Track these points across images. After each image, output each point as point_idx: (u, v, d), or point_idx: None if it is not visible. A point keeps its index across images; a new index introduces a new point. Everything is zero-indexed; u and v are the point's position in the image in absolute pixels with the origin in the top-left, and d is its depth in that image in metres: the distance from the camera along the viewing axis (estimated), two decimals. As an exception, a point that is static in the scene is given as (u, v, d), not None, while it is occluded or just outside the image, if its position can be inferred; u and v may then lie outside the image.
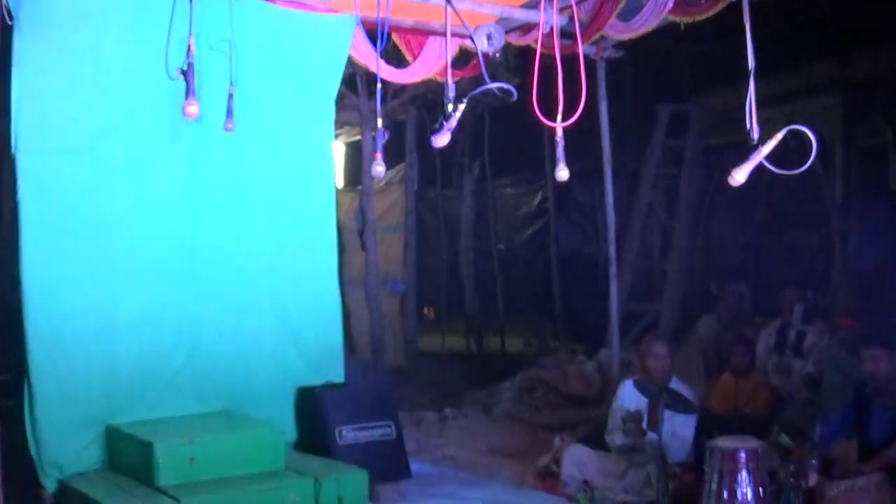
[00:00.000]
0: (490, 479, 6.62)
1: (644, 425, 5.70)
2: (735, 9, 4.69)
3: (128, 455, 5.28)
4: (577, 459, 6.06)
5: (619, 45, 7.17)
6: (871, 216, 7.98)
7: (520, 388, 9.20)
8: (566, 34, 5.25)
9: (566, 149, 4.29)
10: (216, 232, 5.94)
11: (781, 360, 7.19)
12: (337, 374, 6.39)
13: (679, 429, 5.81)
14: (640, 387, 5.80)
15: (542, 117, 4.19)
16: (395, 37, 6.55)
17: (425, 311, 12.59)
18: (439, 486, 6.29)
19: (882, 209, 7.96)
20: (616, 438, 6.05)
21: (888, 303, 7.40)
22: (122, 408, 5.53)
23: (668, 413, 5.56)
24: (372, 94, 4.87)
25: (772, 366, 7.20)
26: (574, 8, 5.23)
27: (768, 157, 4.07)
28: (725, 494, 4.70)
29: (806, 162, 3.95)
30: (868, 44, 8.44)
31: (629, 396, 5.99)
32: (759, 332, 7.53)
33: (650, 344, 6.17)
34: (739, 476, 4.70)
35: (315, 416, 6.04)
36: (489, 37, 6.20)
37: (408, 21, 6.31)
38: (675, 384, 5.96)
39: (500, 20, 6.33)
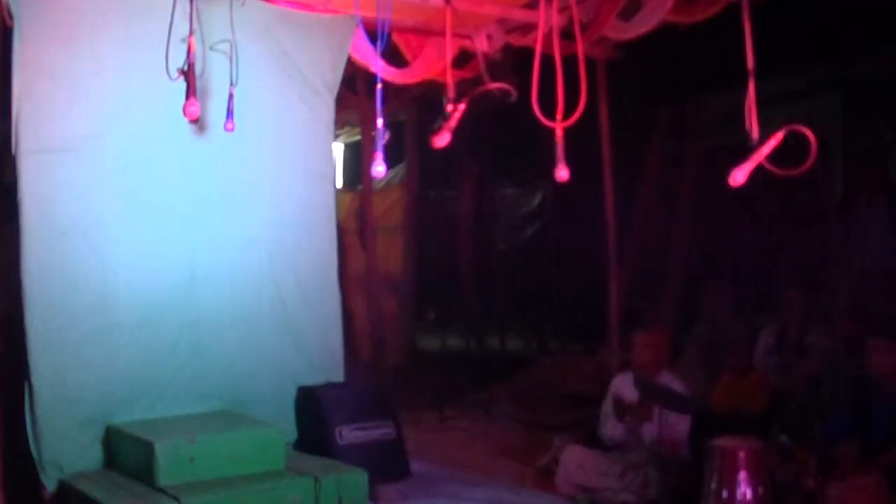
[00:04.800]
0: (490, 479, 6.62)
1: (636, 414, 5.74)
2: (735, 9, 4.70)
3: (128, 455, 5.29)
4: (575, 460, 6.06)
5: (619, 45, 7.16)
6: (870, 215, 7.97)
7: (520, 388, 9.21)
8: (566, 34, 5.25)
9: (566, 149, 4.29)
10: (216, 232, 5.94)
11: (781, 360, 7.19)
12: (337, 374, 6.39)
13: (673, 423, 5.82)
14: (642, 387, 5.81)
15: (542, 117, 4.20)
16: (395, 37, 6.55)
17: (426, 315, 12.60)
18: (439, 486, 6.29)
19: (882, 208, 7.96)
20: (608, 428, 6.05)
21: (888, 302, 7.39)
22: (123, 407, 5.54)
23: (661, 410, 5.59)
24: (372, 94, 4.87)
25: (772, 366, 7.20)
26: (574, 8, 5.23)
27: (768, 158, 4.08)
28: (725, 494, 4.70)
29: (806, 162, 3.96)
30: (868, 44, 8.44)
31: (623, 389, 6.01)
32: (758, 332, 7.53)
33: (636, 333, 6.24)
34: (739, 476, 4.70)
35: (315, 416, 6.04)
36: (489, 37, 6.21)
37: (408, 21, 6.31)
38: (665, 379, 5.97)
39: (500, 20, 6.33)
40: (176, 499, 4.77)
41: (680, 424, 5.85)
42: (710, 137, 9.92)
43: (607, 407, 6.15)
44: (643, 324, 6.90)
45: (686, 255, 10.08)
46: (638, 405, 5.81)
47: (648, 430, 5.74)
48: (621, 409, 5.89)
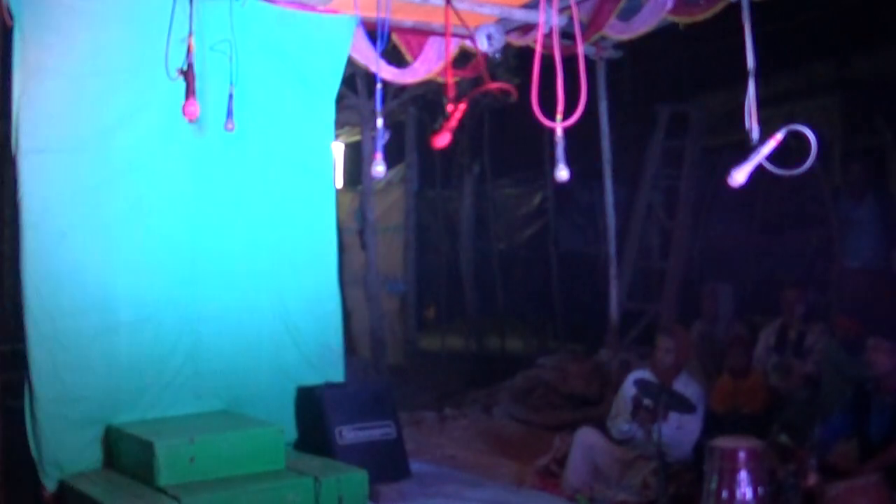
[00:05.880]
0: (490, 479, 6.62)
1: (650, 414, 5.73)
2: (735, 9, 4.71)
3: (128, 455, 5.29)
4: (587, 442, 6.02)
5: (619, 45, 7.17)
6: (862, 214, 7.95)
7: (520, 388, 9.20)
8: (566, 34, 5.25)
9: (566, 149, 4.29)
10: (216, 232, 5.94)
11: (781, 360, 7.18)
12: (337, 374, 6.40)
13: (686, 423, 5.81)
14: (642, 386, 5.81)
15: (542, 117, 4.20)
16: (395, 37, 6.56)
17: (427, 311, 12.59)
18: (439, 486, 6.28)
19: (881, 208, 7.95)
20: (620, 424, 6.04)
21: (887, 301, 7.39)
22: (123, 407, 5.54)
23: (672, 412, 5.59)
24: (372, 94, 4.88)
25: (772, 366, 7.19)
26: (574, 8, 5.23)
27: (768, 158, 4.08)
28: (725, 494, 4.70)
29: (805, 162, 3.96)
30: (868, 44, 8.44)
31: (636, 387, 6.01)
32: (758, 332, 7.53)
33: (657, 337, 6.22)
34: (739, 476, 4.69)
35: (315, 415, 6.04)
36: (489, 37, 6.22)
37: (408, 21, 6.32)
38: (684, 382, 5.97)
39: (500, 20, 6.34)
40: (176, 499, 4.77)
41: (693, 424, 5.84)
42: (710, 137, 9.92)
43: (618, 404, 6.14)
44: (665, 327, 6.85)
45: (686, 254, 10.07)
46: (650, 407, 5.79)
47: (658, 430, 5.72)
48: (637, 408, 5.85)
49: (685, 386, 5.92)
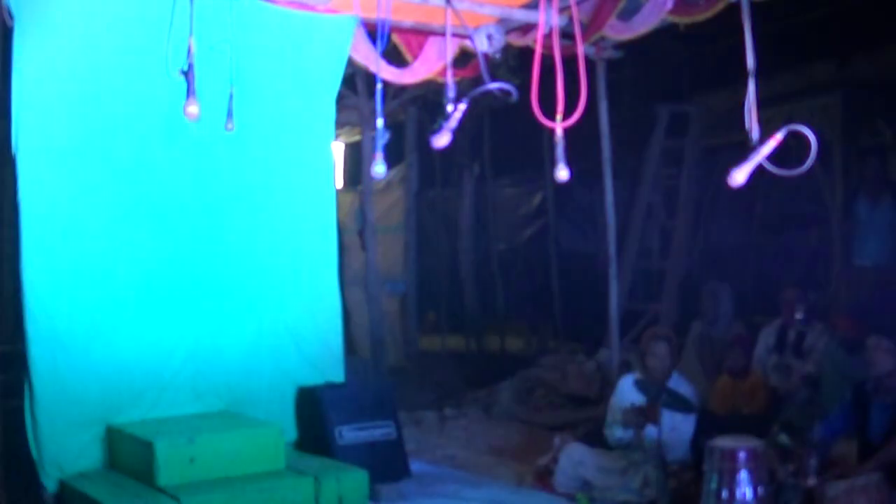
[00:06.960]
0: (490, 479, 6.62)
1: (643, 417, 5.73)
2: (735, 9, 4.70)
3: (128, 455, 5.29)
4: (575, 458, 6.05)
5: (619, 45, 7.17)
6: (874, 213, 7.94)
7: (520, 387, 9.20)
8: (566, 34, 5.25)
9: (566, 149, 4.29)
10: (216, 232, 5.95)
11: (781, 360, 7.19)
12: (337, 374, 6.40)
13: (679, 424, 5.81)
14: (640, 386, 5.81)
15: (541, 117, 4.20)
16: (395, 37, 6.56)
17: (427, 318, 12.59)
18: (439, 486, 6.29)
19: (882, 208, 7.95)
20: (615, 431, 6.05)
21: (888, 302, 7.39)
22: (123, 407, 5.55)
23: (667, 411, 5.58)
24: (372, 94, 4.87)
25: (771, 366, 7.20)
26: (574, 8, 5.22)
27: (768, 158, 4.08)
28: (725, 494, 4.69)
29: (805, 162, 3.95)
30: (868, 44, 8.44)
31: (629, 392, 6.00)
32: (758, 332, 7.53)
33: (649, 344, 6.17)
34: (739, 476, 4.69)
35: (315, 416, 6.04)
36: (489, 37, 6.21)
37: (408, 21, 6.32)
38: (676, 381, 5.97)
39: (500, 20, 6.33)
40: (176, 499, 4.78)
41: (685, 425, 5.85)
42: (710, 137, 9.92)
43: (613, 410, 6.13)
44: (654, 332, 6.85)
45: (686, 255, 10.07)
46: (644, 408, 5.79)
47: (651, 432, 5.73)
48: (628, 413, 5.85)
49: (677, 386, 5.93)
